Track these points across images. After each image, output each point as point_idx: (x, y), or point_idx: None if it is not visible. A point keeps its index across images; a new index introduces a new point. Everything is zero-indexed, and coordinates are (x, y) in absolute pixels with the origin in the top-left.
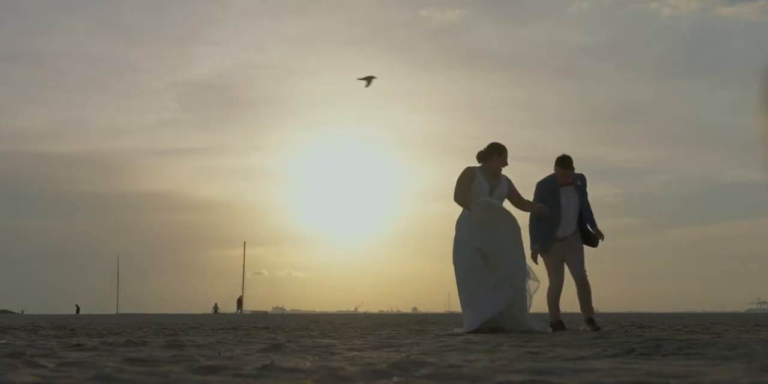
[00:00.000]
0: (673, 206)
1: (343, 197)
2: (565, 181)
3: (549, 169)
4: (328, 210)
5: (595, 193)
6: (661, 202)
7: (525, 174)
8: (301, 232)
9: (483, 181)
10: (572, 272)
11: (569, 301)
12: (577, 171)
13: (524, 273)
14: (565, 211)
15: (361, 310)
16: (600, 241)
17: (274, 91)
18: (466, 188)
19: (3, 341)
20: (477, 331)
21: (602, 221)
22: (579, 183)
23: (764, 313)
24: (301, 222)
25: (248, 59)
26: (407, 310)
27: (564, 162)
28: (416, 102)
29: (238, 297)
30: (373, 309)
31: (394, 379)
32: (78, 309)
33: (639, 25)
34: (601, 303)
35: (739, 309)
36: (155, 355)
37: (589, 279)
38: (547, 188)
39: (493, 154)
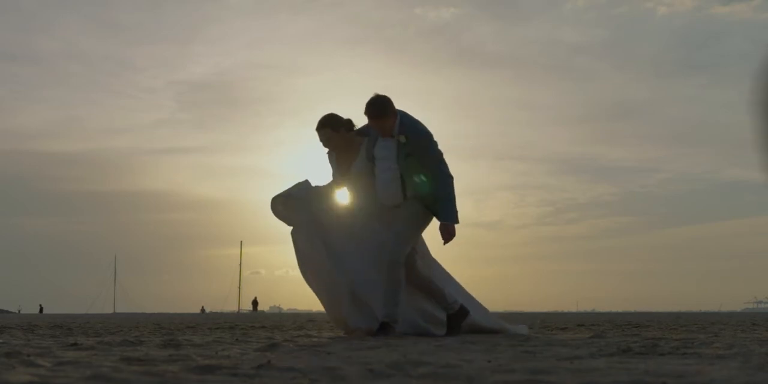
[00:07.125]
0: (669, 205)
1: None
2: (380, 133)
3: (546, 169)
4: None
5: (592, 192)
6: (658, 201)
7: (521, 173)
8: None
9: (333, 164)
10: None
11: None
12: (573, 170)
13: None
14: (377, 169)
15: None
16: (444, 240)
17: (271, 90)
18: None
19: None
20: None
21: (600, 220)
22: (403, 135)
23: (761, 312)
24: None
25: (246, 58)
26: None
27: (366, 107)
28: (413, 101)
29: (253, 298)
30: None
31: (392, 378)
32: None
33: (634, 23)
34: (599, 302)
35: (736, 308)
36: (152, 354)
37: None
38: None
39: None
